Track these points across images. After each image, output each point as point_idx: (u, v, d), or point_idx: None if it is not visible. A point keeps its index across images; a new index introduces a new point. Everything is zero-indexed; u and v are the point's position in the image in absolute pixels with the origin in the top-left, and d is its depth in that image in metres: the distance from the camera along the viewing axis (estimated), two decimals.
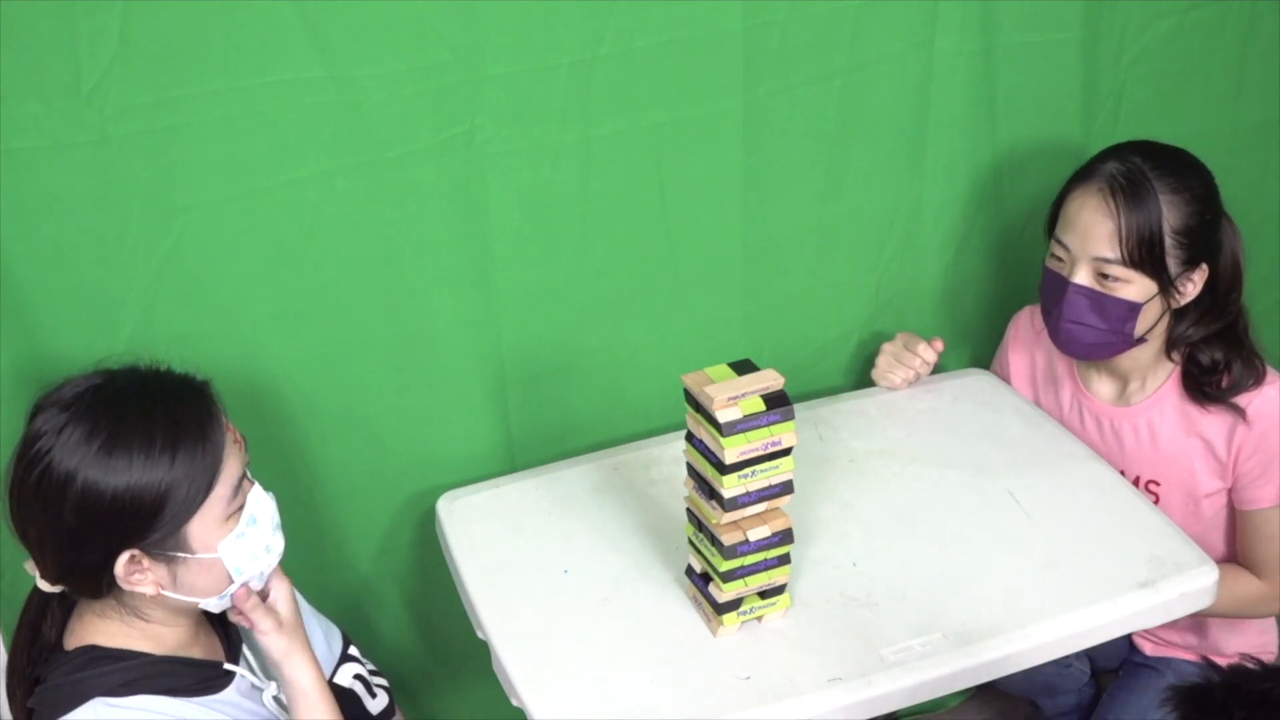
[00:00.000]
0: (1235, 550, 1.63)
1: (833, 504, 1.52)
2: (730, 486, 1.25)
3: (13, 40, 1.19)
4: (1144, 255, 1.46)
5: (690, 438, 1.30)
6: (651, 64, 1.46)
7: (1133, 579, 1.36)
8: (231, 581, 1.20)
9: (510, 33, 1.38)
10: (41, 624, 1.20)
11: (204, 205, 1.34)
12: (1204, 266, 1.50)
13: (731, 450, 1.22)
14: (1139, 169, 1.47)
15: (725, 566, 1.28)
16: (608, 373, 1.66)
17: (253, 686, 1.27)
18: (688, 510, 1.36)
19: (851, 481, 1.57)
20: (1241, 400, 1.53)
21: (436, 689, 1.82)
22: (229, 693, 1.23)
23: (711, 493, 1.28)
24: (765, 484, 1.27)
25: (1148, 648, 1.80)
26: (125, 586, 1.15)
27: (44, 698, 1.16)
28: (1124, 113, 1.80)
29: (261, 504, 1.21)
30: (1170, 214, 1.46)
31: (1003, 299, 1.87)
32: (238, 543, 1.18)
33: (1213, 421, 1.56)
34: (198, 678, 1.22)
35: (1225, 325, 1.54)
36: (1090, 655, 1.85)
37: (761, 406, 1.23)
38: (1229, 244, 1.52)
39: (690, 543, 1.37)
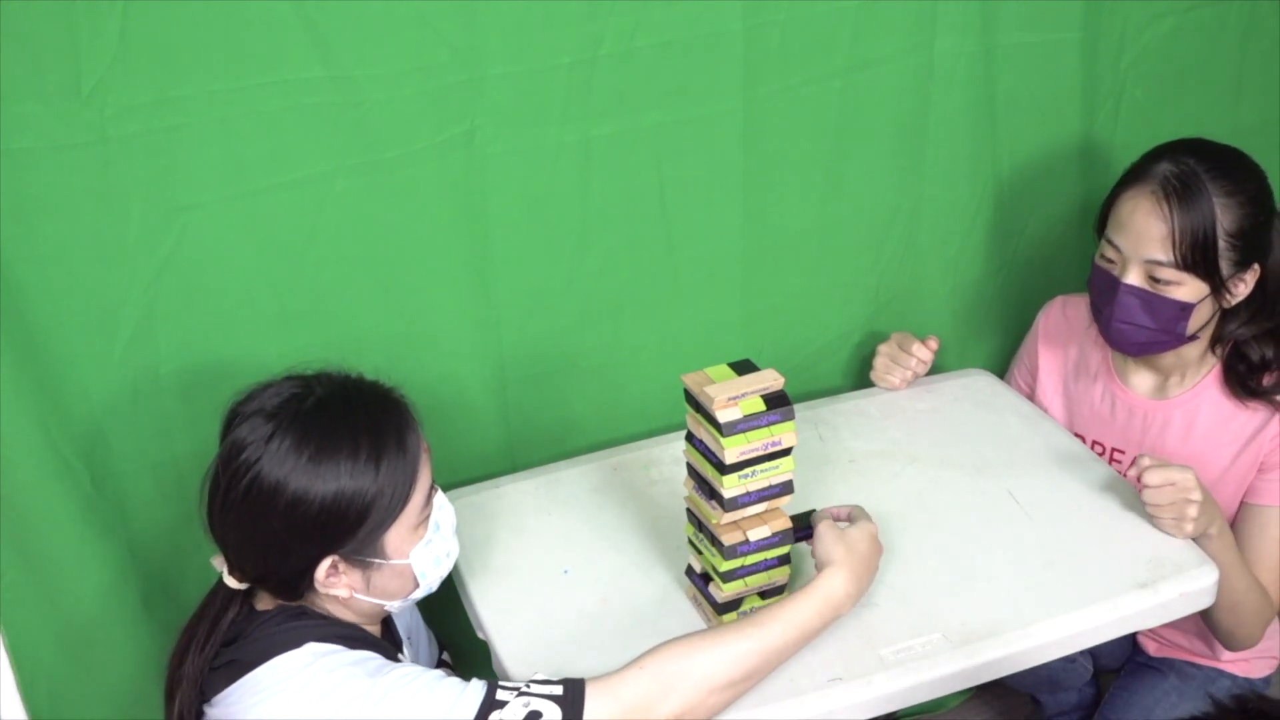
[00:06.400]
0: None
1: (833, 504, 1.52)
2: (730, 486, 1.25)
3: (13, 40, 1.18)
4: (1197, 258, 1.45)
5: (690, 438, 1.30)
6: (651, 64, 1.46)
7: (1133, 579, 1.36)
8: (418, 586, 1.24)
9: (510, 33, 1.38)
10: (222, 618, 1.22)
11: (204, 205, 1.34)
12: (1256, 267, 1.50)
13: (731, 450, 1.22)
14: (1193, 171, 1.46)
15: (725, 566, 1.28)
16: (608, 373, 1.66)
17: None
18: (688, 510, 1.36)
19: (851, 482, 1.57)
20: None
21: None
22: None
23: (711, 493, 1.28)
24: (765, 484, 1.27)
25: (1151, 647, 1.79)
26: (321, 590, 1.19)
27: (251, 647, 1.18)
28: (1124, 113, 1.80)
29: (445, 511, 1.26)
30: (1224, 217, 1.45)
31: (1004, 298, 1.88)
32: (425, 549, 1.22)
33: (1249, 417, 1.56)
34: (387, 654, 1.24)
35: (1276, 324, 1.54)
36: (1093, 654, 1.85)
37: (761, 406, 1.23)
38: (1279, 243, 1.52)
39: (690, 543, 1.37)
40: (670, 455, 1.62)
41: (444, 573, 1.28)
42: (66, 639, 1.41)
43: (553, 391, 1.64)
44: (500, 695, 1.11)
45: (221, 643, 1.21)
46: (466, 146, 1.42)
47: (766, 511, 1.30)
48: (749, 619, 1.22)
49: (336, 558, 1.17)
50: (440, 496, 1.26)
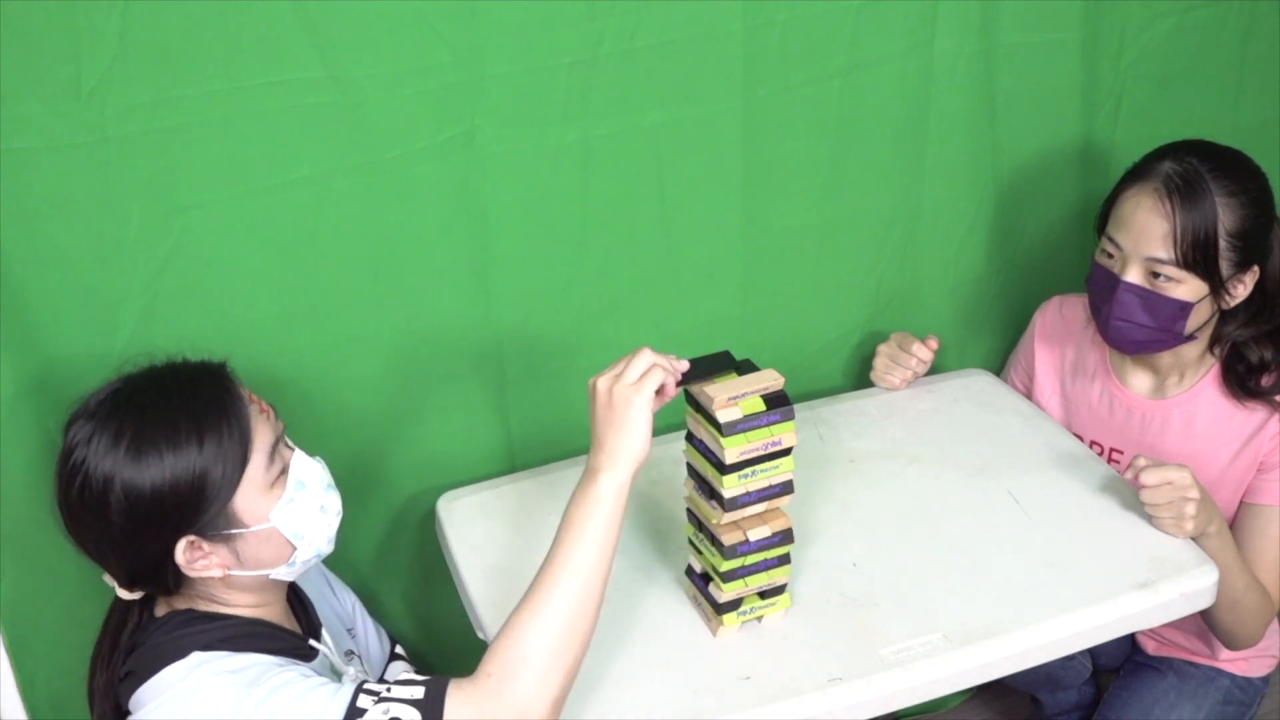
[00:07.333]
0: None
1: (833, 504, 1.52)
2: (730, 486, 1.25)
3: (13, 40, 1.19)
4: (1197, 257, 1.46)
5: (690, 438, 1.30)
6: (651, 64, 1.46)
7: (1133, 579, 1.36)
8: (294, 548, 1.22)
9: (510, 33, 1.38)
10: (121, 632, 1.23)
11: (204, 205, 1.34)
12: (1255, 268, 1.50)
13: (731, 450, 1.22)
14: (1196, 170, 1.47)
15: (725, 566, 1.28)
16: None
17: (332, 669, 1.29)
18: (688, 510, 1.36)
19: (851, 481, 1.57)
20: None
21: None
22: (314, 667, 1.25)
23: (711, 493, 1.28)
24: (765, 484, 1.27)
25: (1150, 647, 1.80)
26: (192, 574, 1.18)
27: (142, 657, 1.18)
28: (1124, 113, 1.80)
29: (306, 468, 1.24)
30: (1225, 216, 1.46)
31: (1004, 298, 1.88)
32: (289, 508, 1.21)
33: (1248, 417, 1.56)
34: (288, 644, 1.24)
35: (1274, 326, 1.54)
36: (1092, 653, 1.85)
37: (761, 406, 1.23)
38: (1279, 246, 1.52)
39: (690, 543, 1.37)
40: (670, 455, 1.62)
41: (327, 530, 1.25)
42: (66, 639, 1.41)
43: (553, 391, 1.64)
44: (361, 702, 1.10)
45: (126, 652, 1.21)
46: (466, 146, 1.42)
47: (766, 511, 1.30)
48: (540, 572, 1.17)
49: (194, 538, 1.16)
50: (300, 455, 1.24)
